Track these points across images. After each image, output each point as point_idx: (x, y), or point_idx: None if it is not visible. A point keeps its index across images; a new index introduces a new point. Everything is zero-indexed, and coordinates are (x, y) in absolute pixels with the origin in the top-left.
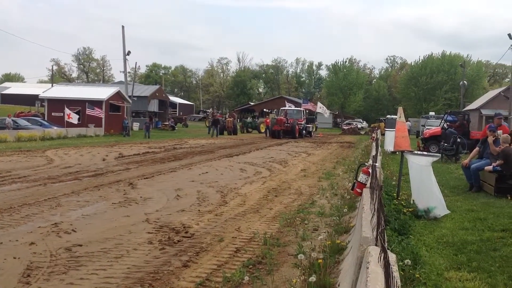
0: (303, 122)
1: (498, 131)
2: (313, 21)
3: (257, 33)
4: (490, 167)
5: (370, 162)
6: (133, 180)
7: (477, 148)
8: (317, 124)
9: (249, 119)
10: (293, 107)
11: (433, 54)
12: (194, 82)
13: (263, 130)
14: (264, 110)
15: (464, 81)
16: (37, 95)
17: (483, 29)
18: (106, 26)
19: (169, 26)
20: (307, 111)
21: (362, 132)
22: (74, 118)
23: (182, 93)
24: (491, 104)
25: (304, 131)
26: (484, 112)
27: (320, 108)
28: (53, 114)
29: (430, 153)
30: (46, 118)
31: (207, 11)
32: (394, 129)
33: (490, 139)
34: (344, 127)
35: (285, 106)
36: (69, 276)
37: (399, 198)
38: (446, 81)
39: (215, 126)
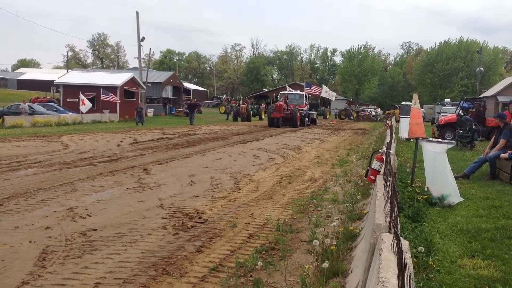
0: (305, 108)
1: None
2: (328, 6)
3: (271, 19)
4: (506, 154)
5: (384, 149)
6: (147, 165)
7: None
8: (357, 108)
9: (252, 106)
10: (294, 91)
11: (450, 40)
12: (208, 68)
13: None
14: (278, 96)
15: (481, 68)
16: (52, 81)
17: (506, 13)
18: (120, 10)
19: (183, 10)
20: (310, 95)
21: (377, 119)
22: (86, 105)
23: (196, 80)
24: (507, 91)
25: (306, 119)
26: (501, 99)
27: (326, 92)
28: (68, 100)
29: (445, 140)
30: (61, 104)
31: None
32: (409, 116)
33: None
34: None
35: (294, 91)
36: (84, 260)
37: (413, 185)
38: (462, 68)
39: (191, 112)
